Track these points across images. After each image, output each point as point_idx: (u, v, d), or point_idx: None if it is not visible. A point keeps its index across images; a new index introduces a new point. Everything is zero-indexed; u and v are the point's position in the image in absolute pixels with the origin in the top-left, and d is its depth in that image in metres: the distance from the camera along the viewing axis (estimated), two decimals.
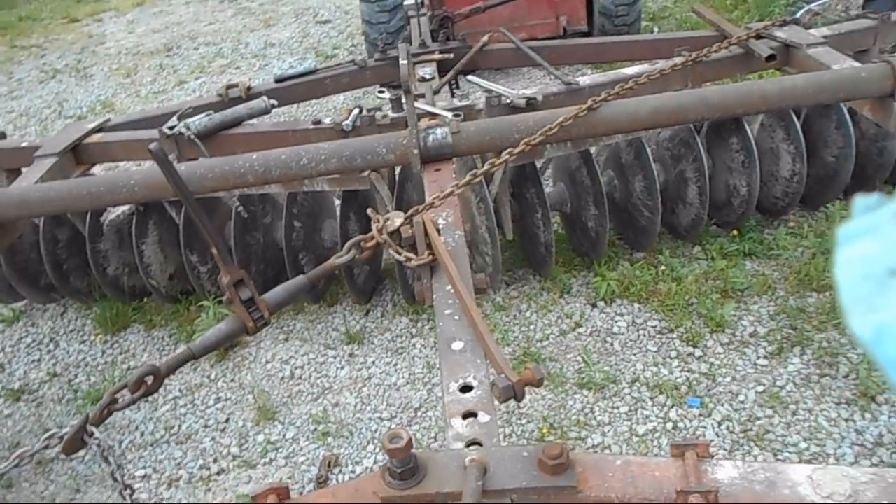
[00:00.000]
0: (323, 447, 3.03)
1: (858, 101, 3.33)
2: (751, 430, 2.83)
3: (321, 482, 2.83)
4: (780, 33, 3.94)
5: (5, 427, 3.37)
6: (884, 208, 0.82)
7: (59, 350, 3.81)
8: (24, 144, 4.01)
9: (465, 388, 1.92)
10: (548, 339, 3.41)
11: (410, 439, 1.57)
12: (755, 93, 3.26)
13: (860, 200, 0.84)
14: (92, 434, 1.90)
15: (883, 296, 0.77)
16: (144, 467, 3.06)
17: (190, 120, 3.73)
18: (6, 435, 3.33)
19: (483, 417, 1.83)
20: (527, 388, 1.90)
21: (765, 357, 3.15)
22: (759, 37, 3.93)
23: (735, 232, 3.83)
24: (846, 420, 2.81)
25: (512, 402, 3.03)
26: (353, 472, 2.90)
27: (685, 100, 3.23)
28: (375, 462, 2.92)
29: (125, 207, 3.70)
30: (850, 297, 0.80)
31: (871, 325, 0.77)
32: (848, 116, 3.63)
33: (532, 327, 3.48)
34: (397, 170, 3.60)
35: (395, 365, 3.39)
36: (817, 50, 3.75)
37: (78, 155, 3.90)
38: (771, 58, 3.80)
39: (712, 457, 1.59)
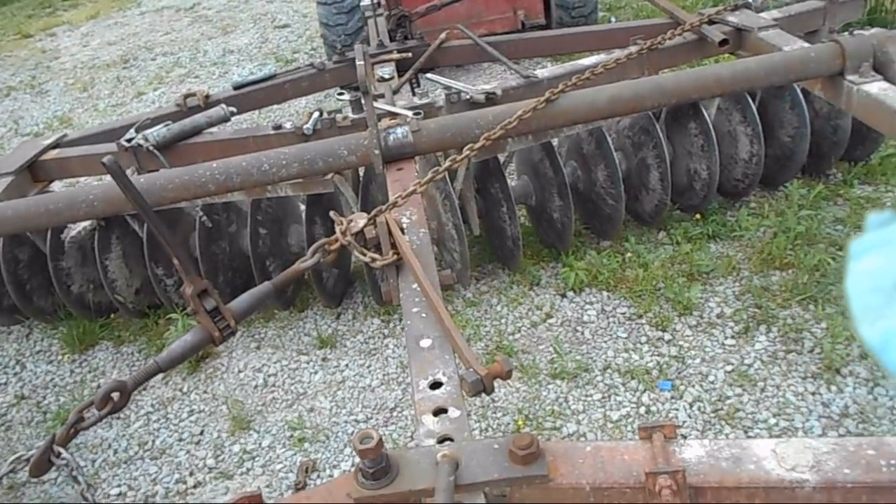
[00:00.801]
0: (300, 453, 3.01)
1: (810, 80, 3.39)
2: (721, 409, 2.87)
3: (299, 488, 2.82)
4: (732, 18, 4.01)
5: None
6: (894, 224, 0.87)
7: (25, 372, 3.74)
8: None
9: (435, 385, 1.93)
10: (519, 331, 3.43)
11: (381, 439, 1.58)
12: (709, 77, 3.31)
13: (873, 216, 0.89)
14: (59, 454, 1.87)
15: (891, 307, 0.81)
16: (119, 485, 3.02)
17: (148, 131, 3.69)
18: None
19: (453, 413, 1.83)
20: (499, 381, 1.92)
21: (732, 337, 3.20)
22: (711, 22, 3.99)
23: (698, 215, 3.89)
24: (813, 394, 2.87)
25: (486, 397, 3.06)
26: (330, 475, 2.89)
27: (641, 88, 3.27)
28: (352, 465, 2.90)
29: (86, 223, 3.65)
30: (859, 307, 0.85)
31: (878, 332, 0.81)
32: (801, 97, 3.70)
33: (503, 321, 3.50)
34: (361, 171, 3.59)
35: (369, 366, 3.39)
36: (768, 33, 3.83)
37: (34, 172, 3.84)
38: (724, 42, 3.86)
39: (681, 438, 1.62)
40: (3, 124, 7.19)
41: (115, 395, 1.99)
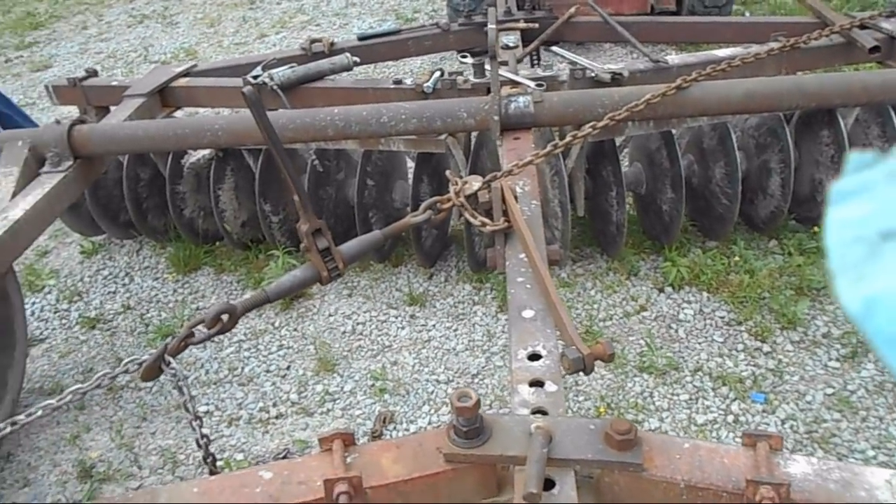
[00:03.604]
0: (379, 403, 3.08)
1: None
2: (816, 431, 2.75)
3: (375, 437, 2.88)
4: (887, 24, 3.75)
5: (80, 352, 3.54)
6: (879, 166, 0.75)
7: (133, 284, 3.96)
8: (114, 83, 4.14)
9: (534, 357, 1.92)
10: (611, 319, 3.37)
11: (479, 400, 1.58)
12: (855, 84, 3.12)
13: (854, 157, 0.76)
14: (169, 364, 1.97)
15: (873, 262, 0.69)
16: (207, 404, 3.17)
17: (274, 71, 3.79)
18: (81, 359, 3.49)
19: (550, 387, 1.82)
20: (594, 365, 1.89)
21: (837, 360, 3.04)
22: (863, 27, 3.75)
23: (816, 229, 3.69)
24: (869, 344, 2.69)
25: (570, 378, 3.03)
26: (406, 430, 2.94)
27: (780, 86, 3.11)
28: (430, 422, 2.95)
29: (205, 152, 3.79)
30: (839, 261, 0.73)
31: (859, 297, 0.69)
32: None
33: (596, 306, 3.45)
34: (473, 138, 3.58)
35: (456, 330, 3.41)
36: None
37: (164, 98, 4.01)
38: (875, 49, 3.63)
39: (786, 451, 1.56)
40: (134, 49, 7.53)
41: (225, 317, 2.07)
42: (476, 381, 3.13)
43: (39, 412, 1.89)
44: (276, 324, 3.58)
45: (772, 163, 3.56)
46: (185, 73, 4.14)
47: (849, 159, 0.78)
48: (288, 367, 3.32)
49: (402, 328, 3.46)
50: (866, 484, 1.46)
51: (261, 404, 3.15)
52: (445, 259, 3.87)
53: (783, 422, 2.80)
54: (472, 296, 3.60)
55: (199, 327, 2.08)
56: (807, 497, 1.44)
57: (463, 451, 1.59)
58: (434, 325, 3.45)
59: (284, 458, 2.78)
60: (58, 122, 3.45)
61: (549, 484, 1.52)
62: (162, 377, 2.06)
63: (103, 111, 4.04)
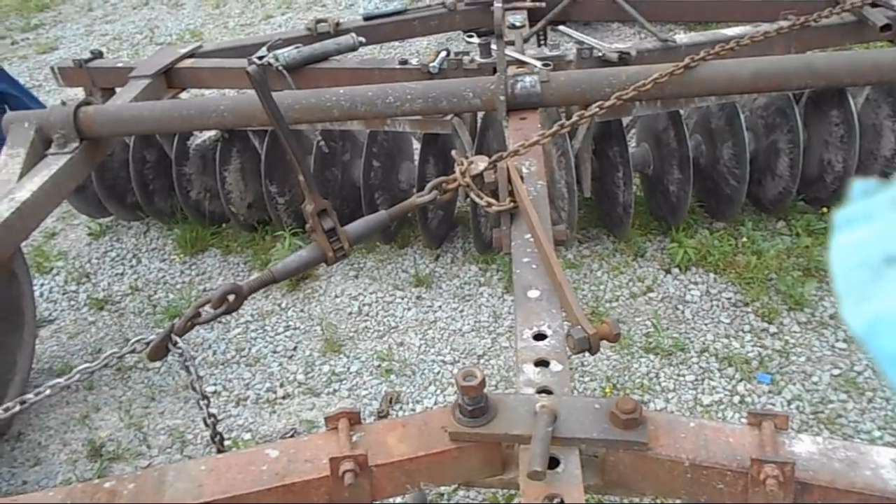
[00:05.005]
0: (385, 383, 3.09)
1: None
2: (822, 412, 2.75)
3: (381, 417, 2.90)
4: None
5: (89, 333, 3.56)
6: (882, 193, 0.78)
7: (140, 266, 3.97)
8: (119, 65, 4.14)
9: (539, 336, 1.92)
10: (617, 300, 3.37)
11: (484, 378, 1.59)
12: (867, 63, 3.09)
13: (858, 184, 0.80)
14: (176, 343, 1.98)
15: (877, 285, 0.73)
16: (215, 384, 3.19)
17: (279, 51, 3.77)
18: (90, 340, 3.51)
19: (556, 366, 1.83)
20: (600, 345, 1.89)
21: (844, 340, 3.03)
22: (874, 4, 3.69)
23: (824, 210, 3.67)
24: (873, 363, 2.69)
25: (576, 359, 3.04)
26: (412, 410, 2.96)
27: (789, 65, 3.09)
28: (436, 403, 2.96)
29: (211, 133, 3.78)
30: (844, 284, 0.77)
31: (864, 318, 0.73)
32: None
33: (602, 287, 3.44)
34: (479, 118, 3.56)
35: (462, 311, 3.41)
36: None
37: (170, 79, 4.00)
38: (886, 27, 3.57)
39: (792, 430, 1.56)
40: (139, 31, 7.50)
41: (231, 298, 2.08)
42: (482, 361, 3.14)
43: (48, 391, 1.91)
44: (283, 305, 3.59)
45: (780, 143, 3.53)
46: (191, 55, 4.12)
47: (852, 187, 0.81)
48: (295, 348, 3.34)
49: (409, 309, 3.47)
50: (872, 463, 1.46)
51: (268, 385, 3.17)
52: (451, 240, 3.87)
53: (789, 402, 2.80)
54: (478, 277, 3.60)
55: (206, 307, 2.09)
56: (811, 476, 1.45)
57: (468, 430, 1.60)
58: (440, 307, 3.46)
59: (292, 437, 2.80)
60: (63, 103, 3.45)
61: (553, 462, 1.53)
62: (169, 357, 2.07)
63: (109, 93, 4.04)
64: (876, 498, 1.41)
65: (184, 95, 4.24)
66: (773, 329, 3.12)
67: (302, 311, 3.54)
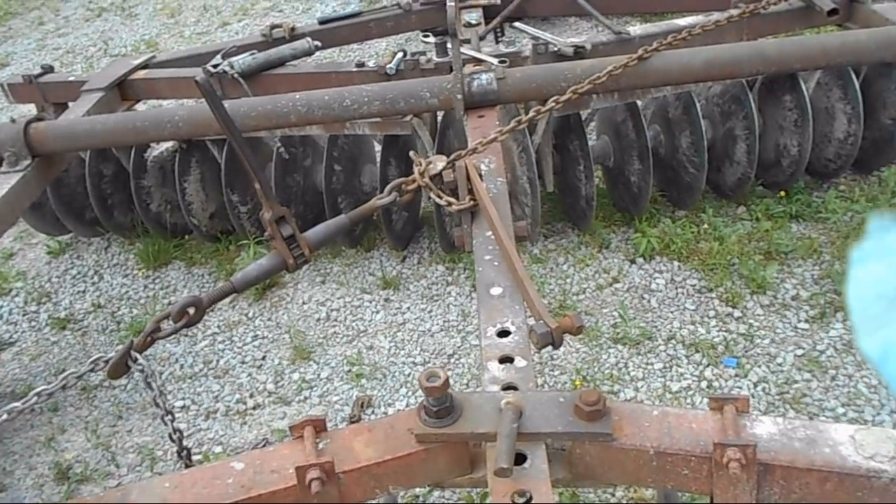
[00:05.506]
0: (356, 388, 3.08)
1: None
2: (787, 392, 2.79)
3: (353, 422, 2.88)
4: None
5: (52, 353, 3.49)
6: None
7: (103, 283, 3.90)
8: (71, 79, 4.06)
9: (503, 333, 1.92)
10: (584, 292, 3.39)
11: (447, 378, 1.58)
12: (815, 47, 3.14)
13: (875, 220, 0.84)
14: (136, 360, 1.95)
15: (891, 314, 0.76)
16: (183, 398, 3.15)
17: (234, 59, 3.73)
18: (52, 361, 3.44)
19: (520, 362, 1.83)
20: (563, 339, 1.90)
21: (806, 321, 3.09)
22: None
23: (782, 193, 3.73)
24: (886, 387, 2.75)
25: (545, 353, 3.05)
26: (384, 413, 2.95)
27: (741, 52, 3.13)
28: (407, 405, 2.96)
29: (168, 144, 3.73)
30: (860, 316, 0.80)
31: (878, 343, 0.76)
32: None
33: (569, 280, 3.46)
34: (439, 117, 3.56)
35: (430, 312, 3.41)
36: (883, 6, 3.60)
37: (123, 91, 3.94)
38: (833, 12, 3.64)
39: (753, 412, 1.57)
40: (93, 44, 7.37)
41: (191, 310, 2.05)
42: (452, 361, 3.14)
43: (5, 416, 1.87)
44: (250, 314, 3.55)
45: (737, 130, 3.58)
46: (144, 66, 4.07)
47: (870, 222, 0.84)
48: (263, 358, 3.30)
49: (377, 312, 3.46)
50: (830, 440, 1.48)
51: (237, 396, 3.13)
52: (418, 241, 3.86)
53: (755, 385, 2.84)
54: (445, 276, 3.60)
55: (166, 321, 2.06)
56: (772, 456, 1.47)
57: (434, 431, 1.59)
58: (409, 308, 3.45)
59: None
60: (13, 120, 3.37)
61: (520, 458, 1.54)
62: (136, 374, 2.04)
63: (62, 108, 3.97)
64: (835, 474, 1.43)
65: (140, 107, 4.18)
66: (737, 313, 3.17)
67: (269, 319, 3.51)
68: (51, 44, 7.55)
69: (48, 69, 4.08)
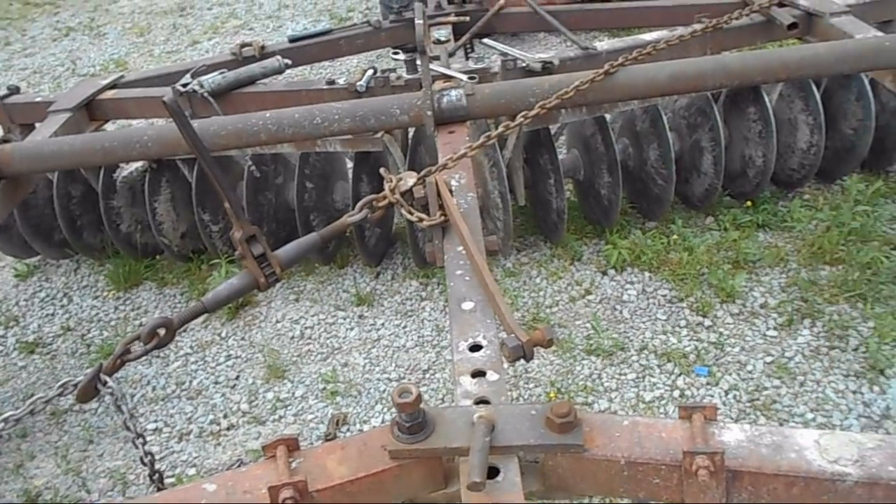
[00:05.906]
0: (331, 406, 3.06)
1: (881, 71, 3.27)
2: (758, 399, 2.84)
3: (329, 439, 2.87)
4: (803, 1, 3.86)
5: (20, 378, 3.43)
6: None
7: (72, 305, 3.85)
8: (38, 99, 4.02)
9: (475, 347, 1.93)
10: (557, 305, 3.42)
11: (419, 394, 1.59)
12: (775, 61, 3.21)
13: None
14: (105, 383, 1.93)
15: None
16: (156, 421, 3.11)
17: (203, 78, 3.72)
18: (21, 386, 3.38)
19: (492, 376, 1.84)
20: (535, 352, 1.91)
21: (774, 328, 3.14)
22: (781, 4, 3.86)
23: (749, 203, 3.80)
24: (854, 392, 2.81)
25: (520, 366, 3.06)
26: (360, 430, 2.94)
27: (704, 66, 3.19)
28: (383, 421, 2.95)
29: (138, 164, 3.71)
30: None
31: None
32: (869, 88, 3.57)
33: (542, 293, 3.49)
34: (410, 133, 3.58)
35: (405, 327, 3.41)
36: (840, 19, 3.68)
37: (91, 111, 3.90)
38: (793, 26, 3.73)
39: (721, 420, 1.60)
40: (61, 64, 7.30)
41: (161, 331, 2.04)
42: (427, 376, 3.14)
43: None
44: (223, 334, 3.52)
45: (703, 142, 3.65)
46: (113, 85, 4.03)
47: None
48: (237, 377, 3.28)
49: (351, 329, 3.45)
50: (796, 446, 1.51)
51: (211, 417, 3.10)
52: (391, 257, 3.87)
53: (727, 392, 2.88)
54: (419, 292, 3.61)
55: (136, 343, 2.04)
56: (740, 463, 1.49)
57: (407, 447, 1.59)
58: (383, 324, 3.45)
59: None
60: None
61: (493, 472, 1.54)
62: (107, 397, 2.01)
63: (29, 129, 3.91)
64: (801, 479, 1.46)
65: (109, 127, 4.14)
66: (707, 322, 3.21)
67: (243, 338, 3.49)
68: (17, 64, 7.47)
69: (14, 90, 4.03)
